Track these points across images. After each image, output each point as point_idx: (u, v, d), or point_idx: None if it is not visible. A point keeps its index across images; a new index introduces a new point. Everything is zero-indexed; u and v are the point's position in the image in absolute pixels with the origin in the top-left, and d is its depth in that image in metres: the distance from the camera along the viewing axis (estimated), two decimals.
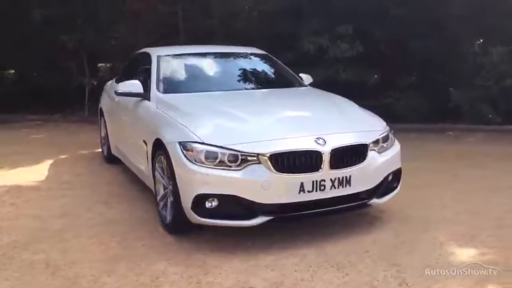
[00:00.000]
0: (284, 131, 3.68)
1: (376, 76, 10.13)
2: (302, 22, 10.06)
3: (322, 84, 9.63)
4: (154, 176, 4.10)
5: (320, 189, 3.49)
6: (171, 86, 4.73)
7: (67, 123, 10.77)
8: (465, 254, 3.45)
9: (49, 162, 6.71)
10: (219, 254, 3.50)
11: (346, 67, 9.68)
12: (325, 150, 3.49)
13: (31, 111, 12.07)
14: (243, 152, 3.42)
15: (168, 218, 3.84)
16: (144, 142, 4.32)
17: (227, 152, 3.43)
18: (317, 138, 3.53)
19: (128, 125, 5.09)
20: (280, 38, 10.38)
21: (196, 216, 3.49)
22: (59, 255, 3.53)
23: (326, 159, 3.48)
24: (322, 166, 3.48)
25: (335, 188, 3.54)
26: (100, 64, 12.47)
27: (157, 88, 4.63)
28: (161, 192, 3.98)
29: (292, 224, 3.94)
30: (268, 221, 3.49)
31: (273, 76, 5.42)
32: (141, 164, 4.56)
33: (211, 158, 3.44)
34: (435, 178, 5.52)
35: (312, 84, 5.51)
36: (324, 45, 9.62)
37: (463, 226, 3.98)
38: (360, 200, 3.77)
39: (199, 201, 3.46)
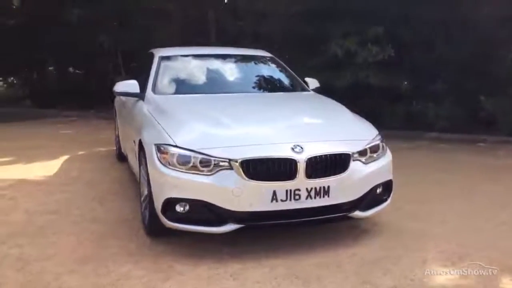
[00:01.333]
0: (262, 137, 3.56)
1: (405, 82, 9.75)
2: (331, 24, 9.85)
3: (349, 88, 9.56)
4: (140, 177, 4.09)
5: (294, 199, 3.35)
6: (166, 87, 4.71)
7: (98, 120, 11.02)
8: (443, 277, 3.21)
9: (65, 157, 6.87)
10: (190, 259, 3.41)
11: (375, 72, 9.39)
12: (301, 158, 3.34)
13: (69, 108, 12.50)
14: (215, 157, 3.33)
15: (146, 220, 3.82)
16: (134, 142, 4.33)
17: (199, 156, 3.35)
18: (294, 146, 3.39)
19: (127, 124, 5.13)
20: (307, 40, 10.24)
21: (165, 220, 3.44)
22: (33, 251, 3.56)
23: (301, 167, 3.33)
24: (297, 174, 3.34)
25: (311, 198, 3.39)
26: (134, 64, 12.71)
27: (152, 88, 4.63)
28: (145, 193, 3.95)
29: (275, 233, 3.82)
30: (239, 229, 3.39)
31: (274, 80, 5.28)
32: (134, 163, 4.57)
33: (184, 162, 3.37)
34: (447, 192, 5.23)
35: (319, 89, 5.34)
36: (353, 49, 9.37)
37: (456, 244, 3.71)
38: (341, 212, 3.59)
39: (169, 205, 3.40)
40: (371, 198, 3.75)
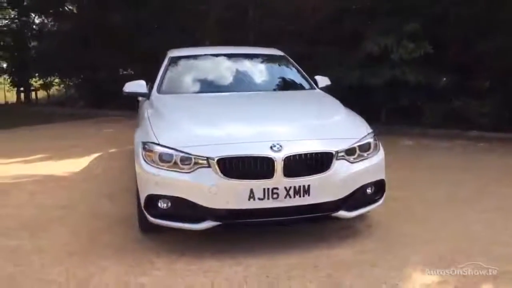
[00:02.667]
0: (243, 136, 3.57)
1: (444, 79, 9.35)
2: (367, 21, 9.64)
3: (385, 86, 9.30)
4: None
5: (272, 197, 3.33)
6: (170, 87, 4.82)
7: None
8: (419, 280, 3.08)
9: (95, 155, 7.19)
10: (171, 255, 3.47)
11: (412, 69, 9.09)
12: (278, 156, 3.31)
13: (118, 108, 13.01)
14: (194, 155, 3.38)
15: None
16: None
17: (180, 154, 3.41)
18: (273, 144, 3.37)
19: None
20: (343, 38, 10.08)
21: (148, 216, 3.53)
22: (30, 243, 3.76)
23: (278, 166, 3.30)
24: (274, 173, 3.31)
25: (290, 197, 3.35)
26: None
27: (158, 88, 4.75)
28: None
29: (261, 231, 3.81)
30: (217, 226, 3.42)
31: (279, 78, 5.26)
32: None
33: (166, 160, 3.44)
34: (460, 194, 4.99)
35: (330, 87, 5.25)
36: (389, 45, 9.12)
37: (447, 250, 3.54)
38: (324, 211, 3.52)
39: (152, 201, 3.48)
40: (359, 198, 3.66)
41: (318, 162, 3.43)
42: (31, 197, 5.11)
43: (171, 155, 3.43)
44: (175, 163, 3.41)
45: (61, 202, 4.84)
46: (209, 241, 3.65)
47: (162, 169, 3.44)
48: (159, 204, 3.47)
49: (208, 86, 4.91)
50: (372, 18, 9.58)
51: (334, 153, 3.46)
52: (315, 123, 3.85)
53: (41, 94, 17.28)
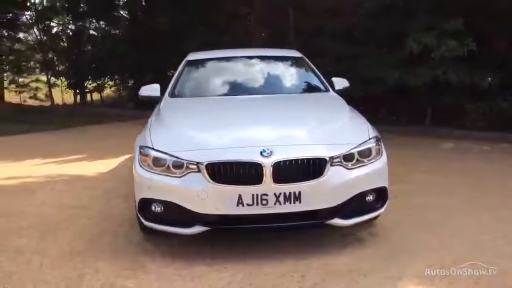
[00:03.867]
0: (235, 141, 3.52)
1: (490, 78, 8.84)
2: (408, 19, 9.29)
3: (426, 86, 8.92)
4: None
5: (262, 204, 3.27)
6: (182, 90, 4.87)
7: None
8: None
9: (126, 157, 7.34)
10: (165, 259, 3.49)
11: (454, 68, 8.68)
12: (267, 162, 3.25)
13: None
14: (185, 160, 3.38)
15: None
16: None
17: (172, 159, 3.43)
18: (263, 150, 3.31)
19: None
20: (383, 37, 9.79)
21: (142, 219, 3.57)
22: (36, 243, 3.90)
23: (267, 172, 3.24)
24: (263, 179, 3.25)
25: (280, 203, 3.28)
26: None
27: (170, 92, 4.81)
28: None
29: (260, 237, 3.77)
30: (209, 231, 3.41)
31: (292, 81, 5.17)
32: None
33: (159, 164, 3.47)
34: (484, 202, 4.70)
35: (347, 89, 5.11)
36: (430, 43, 8.75)
37: (450, 260, 3.34)
38: (316, 219, 3.42)
39: (145, 205, 3.53)
40: (357, 206, 3.53)
41: (310, 168, 3.33)
42: (54, 196, 5.32)
43: (164, 160, 3.45)
44: (168, 167, 3.43)
45: (80, 202, 5.01)
46: (206, 245, 3.64)
47: (154, 173, 3.47)
48: (153, 208, 3.50)
49: (219, 90, 4.91)
50: (412, 15, 9.21)
51: (328, 159, 3.35)
52: (314, 128, 3.73)
53: (97, 95, 18.02)
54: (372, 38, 9.96)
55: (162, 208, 3.47)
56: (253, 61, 5.39)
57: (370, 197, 3.59)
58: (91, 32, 16.79)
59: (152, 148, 3.55)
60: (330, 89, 4.89)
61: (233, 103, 4.55)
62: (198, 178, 3.32)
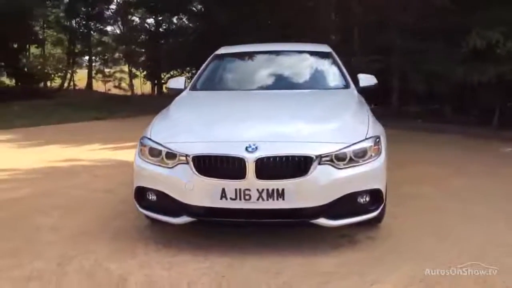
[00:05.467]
0: (224, 135, 3.56)
1: None
2: (474, 12, 8.72)
3: (494, 84, 8.31)
4: None
5: (244, 199, 3.28)
6: (201, 83, 4.96)
7: None
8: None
9: None
10: (157, 247, 3.60)
11: None
12: (250, 157, 3.26)
13: None
14: (176, 151, 3.48)
15: None
16: None
17: (165, 150, 3.54)
18: (249, 145, 3.32)
19: None
20: (449, 31, 9.28)
21: (138, 206, 3.73)
22: (52, 222, 4.21)
23: (250, 167, 3.25)
24: (246, 174, 3.27)
25: (263, 199, 3.27)
26: None
27: (192, 85, 4.94)
28: None
29: (260, 231, 3.79)
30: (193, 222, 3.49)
31: (314, 76, 5.05)
32: None
33: (155, 154, 3.59)
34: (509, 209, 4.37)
35: (374, 87, 4.94)
36: (495, 39, 8.17)
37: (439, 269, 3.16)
38: (301, 217, 3.38)
39: (140, 193, 3.68)
40: (347, 207, 3.43)
41: (295, 166, 3.29)
42: (91, 180, 5.70)
43: (160, 151, 3.56)
44: (162, 158, 3.54)
45: (109, 186, 5.32)
46: (201, 236, 3.71)
47: (149, 163, 3.61)
48: (148, 196, 3.64)
49: (238, 84, 4.96)
50: (478, 9, 8.63)
51: (314, 157, 3.29)
52: (309, 126, 3.66)
53: None
54: (438, 32, 9.47)
55: (155, 197, 3.60)
56: (279, 56, 5.37)
57: (363, 199, 3.47)
58: (166, 25, 17.49)
59: (150, 139, 3.68)
60: (351, 86, 4.74)
61: (244, 98, 4.58)
62: (186, 170, 3.40)
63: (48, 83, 21.27)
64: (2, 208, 4.67)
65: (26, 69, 19.54)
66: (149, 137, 3.71)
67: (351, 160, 3.40)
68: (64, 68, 20.86)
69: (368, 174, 3.43)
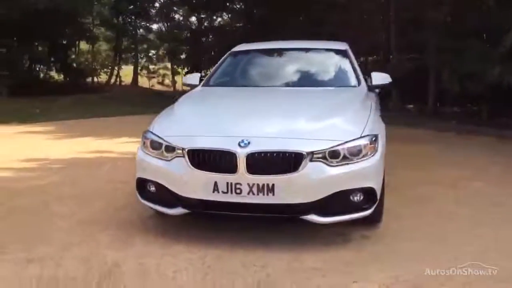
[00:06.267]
0: (219, 130, 3.62)
1: None
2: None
3: None
4: None
5: (236, 192, 3.36)
6: (214, 80, 5.08)
7: None
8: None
9: None
10: (152, 236, 3.76)
11: None
12: (241, 152, 3.33)
13: None
14: (173, 145, 3.59)
15: None
16: None
17: (164, 143, 3.67)
18: (242, 140, 3.39)
19: None
20: (487, 30, 8.98)
21: (139, 197, 3.87)
22: (67, 210, 4.42)
23: (241, 162, 3.32)
24: (237, 168, 3.34)
25: (253, 194, 3.33)
26: None
27: (206, 81, 5.06)
28: None
29: (259, 224, 3.86)
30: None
31: (325, 74, 5.05)
32: None
33: (156, 147, 3.72)
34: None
35: (387, 86, 4.90)
36: None
37: (420, 272, 3.12)
38: (290, 212, 3.41)
39: (140, 184, 3.82)
40: (339, 205, 3.45)
41: (286, 162, 3.33)
42: (113, 171, 5.96)
43: (160, 144, 3.69)
44: (162, 151, 3.67)
45: (126, 178, 5.43)
46: (201, 228, 3.85)
47: (150, 155, 3.74)
48: (148, 187, 3.78)
49: (248, 80, 5.04)
50: None
51: (305, 154, 3.32)
52: (305, 123, 3.66)
53: None
54: (474, 31, 9.18)
55: (154, 188, 3.73)
56: (294, 53, 5.40)
57: (356, 197, 3.47)
58: (208, 23, 17.78)
59: (152, 132, 3.82)
60: (362, 84, 4.71)
61: (250, 94, 4.65)
62: (182, 163, 3.51)
63: (96, 79, 22.05)
64: (26, 195, 4.94)
65: (74, 65, 20.35)
66: (151, 130, 3.84)
67: (345, 157, 3.40)
68: (110, 64, 21.57)
69: (361, 172, 3.43)
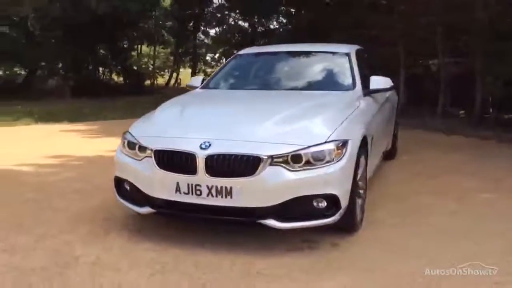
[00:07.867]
0: (187, 132, 3.65)
1: None
2: None
3: None
4: None
5: (196, 194, 3.39)
6: (213, 82, 5.13)
7: None
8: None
9: None
10: (131, 234, 3.86)
11: None
12: (201, 154, 3.35)
13: None
14: (144, 145, 3.68)
15: None
16: None
17: (138, 143, 3.76)
18: (203, 142, 3.42)
19: None
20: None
21: (116, 195, 3.99)
22: (66, 204, 4.62)
23: (200, 163, 3.35)
24: (197, 170, 3.37)
25: (212, 196, 3.35)
26: None
27: (206, 83, 5.13)
28: None
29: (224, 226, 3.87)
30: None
31: (320, 77, 4.94)
32: None
33: (132, 147, 3.82)
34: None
35: (388, 90, 4.75)
36: None
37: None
38: (248, 216, 3.38)
39: (117, 182, 3.94)
40: (299, 210, 3.38)
41: (245, 165, 3.31)
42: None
43: (134, 144, 3.79)
44: (136, 151, 3.76)
45: None
46: (178, 228, 3.91)
47: (125, 155, 3.85)
48: (125, 186, 3.89)
49: (241, 83, 5.07)
50: None
51: (263, 157, 3.29)
52: (276, 126, 3.58)
53: None
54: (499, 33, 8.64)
55: (129, 187, 3.83)
56: (294, 57, 5.34)
57: (319, 204, 3.38)
58: (260, 27, 17.92)
59: (129, 133, 3.93)
60: (356, 88, 4.57)
61: (236, 97, 4.67)
62: (150, 163, 3.59)
63: (155, 81, 22.86)
64: (36, 189, 5.22)
65: (135, 67, 21.21)
66: (129, 131, 3.95)
67: (308, 162, 3.33)
68: (169, 67, 22.27)
69: (324, 178, 3.34)
